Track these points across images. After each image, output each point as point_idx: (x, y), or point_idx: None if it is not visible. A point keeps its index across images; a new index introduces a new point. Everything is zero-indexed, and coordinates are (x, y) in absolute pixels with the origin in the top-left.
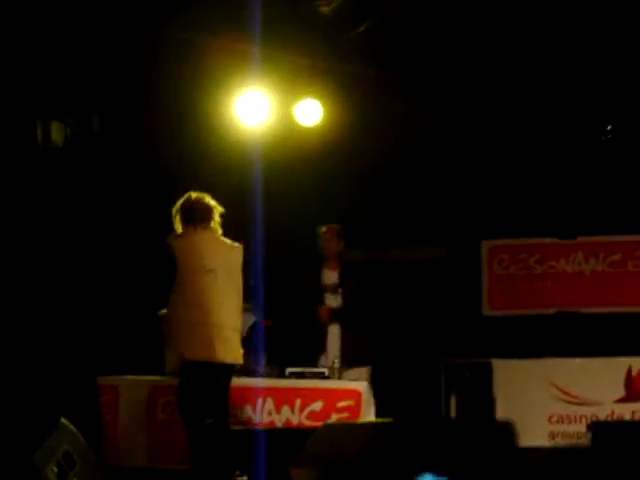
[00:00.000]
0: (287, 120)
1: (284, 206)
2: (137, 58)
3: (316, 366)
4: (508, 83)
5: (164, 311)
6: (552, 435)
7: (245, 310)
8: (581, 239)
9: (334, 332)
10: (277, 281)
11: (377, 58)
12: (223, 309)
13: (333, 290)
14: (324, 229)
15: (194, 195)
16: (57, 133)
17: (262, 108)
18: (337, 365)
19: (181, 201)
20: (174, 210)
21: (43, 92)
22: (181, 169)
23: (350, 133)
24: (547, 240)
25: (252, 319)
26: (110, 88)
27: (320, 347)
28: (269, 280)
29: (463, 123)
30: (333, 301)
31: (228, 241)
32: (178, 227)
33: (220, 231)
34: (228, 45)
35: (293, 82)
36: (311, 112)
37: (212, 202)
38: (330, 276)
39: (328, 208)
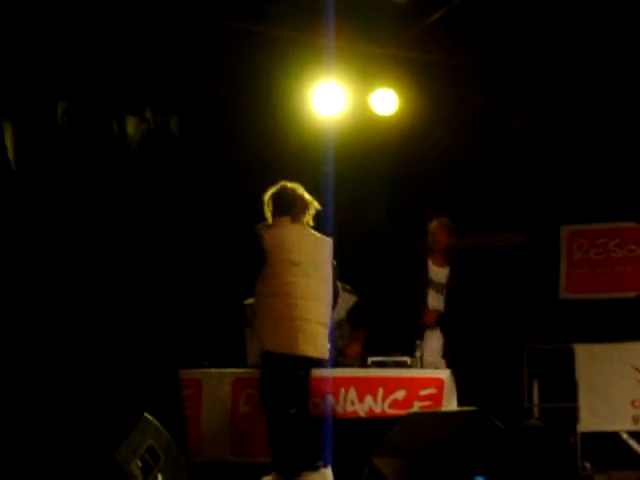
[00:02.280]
0: (363, 110)
1: (359, 195)
2: (215, 52)
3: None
4: (586, 67)
5: (250, 301)
6: (635, 419)
7: (345, 290)
8: None
9: (435, 337)
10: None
11: (452, 46)
12: (309, 303)
13: (439, 289)
14: (436, 223)
15: (289, 185)
16: (133, 128)
17: (338, 98)
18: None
19: (274, 190)
20: (266, 198)
21: (121, 87)
22: (259, 160)
23: (426, 122)
24: (626, 224)
25: (352, 299)
26: (189, 82)
27: (410, 345)
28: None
29: (541, 109)
30: (437, 301)
31: (319, 235)
32: (269, 216)
33: (311, 224)
34: (304, 37)
35: (368, 72)
36: (386, 102)
37: (307, 196)
38: (438, 273)
39: (404, 197)
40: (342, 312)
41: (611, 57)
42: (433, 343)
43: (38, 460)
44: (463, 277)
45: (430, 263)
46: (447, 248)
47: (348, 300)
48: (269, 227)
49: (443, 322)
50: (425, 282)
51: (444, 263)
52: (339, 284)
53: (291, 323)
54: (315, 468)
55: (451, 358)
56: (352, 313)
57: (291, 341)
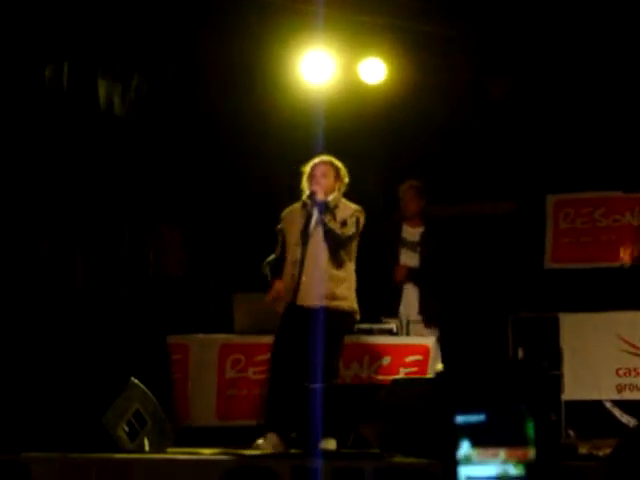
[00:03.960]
0: (351, 79)
1: (348, 164)
2: (202, 19)
3: (385, 321)
4: (572, 38)
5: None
6: (619, 388)
7: None
8: None
9: (410, 292)
10: None
11: (440, 15)
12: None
13: (412, 247)
14: (405, 186)
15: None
16: (119, 95)
17: (326, 67)
18: (405, 322)
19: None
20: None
21: (106, 53)
22: (247, 128)
23: (414, 91)
24: (612, 193)
25: None
26: (175, 49)
27: (391, 305)
28: None
29: (528, 79)
30: (410, 259)
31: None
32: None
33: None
34: (293, 5)
35: (357, 41)
36: (375, 71)
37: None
38: (411, 233)
39: (392, 166)
40: None
41: (598, 27)
42: (408, 299)
43: (25, 423)
44: (438, 237)
45: (404, 224)
46: (420, 210)
47: None
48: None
49: (416, 278)
50: (397, 241)
51: (418, 223)
52: None
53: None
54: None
55: (430, 314)
56: None
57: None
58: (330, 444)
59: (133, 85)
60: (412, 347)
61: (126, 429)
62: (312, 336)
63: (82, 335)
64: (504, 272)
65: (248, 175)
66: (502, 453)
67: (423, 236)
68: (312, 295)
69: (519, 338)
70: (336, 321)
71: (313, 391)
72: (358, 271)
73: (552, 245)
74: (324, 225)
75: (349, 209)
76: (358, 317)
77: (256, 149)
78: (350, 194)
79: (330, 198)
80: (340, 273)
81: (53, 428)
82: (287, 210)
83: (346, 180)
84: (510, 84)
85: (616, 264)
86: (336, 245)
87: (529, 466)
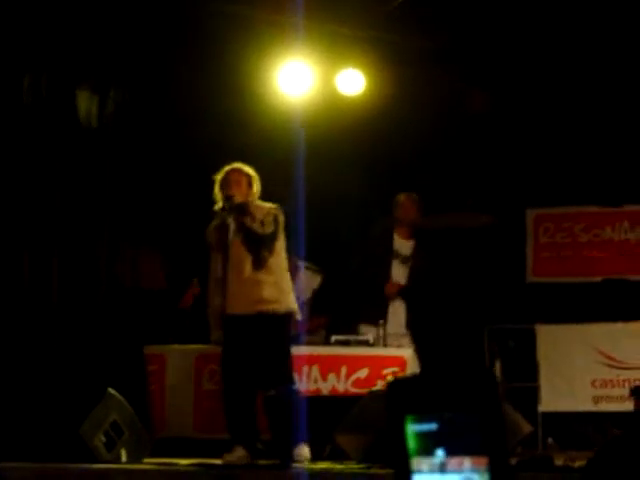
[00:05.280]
0: (329, 90)
1: (326, 176)
2: (179, 29)
3: (362, 331)
4: (554, 55)
5: None
6: (596, 399)
7: (309, 270)
8: (627, 207)
9: (399, 308)
10: (321, 250)
11: (419, 27)
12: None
13: (405, 261)
14: (402, 196)
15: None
16: (95, 107)
17: (304, 78)
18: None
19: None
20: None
21: (82, 64)
22: (223, 139)
23: (392, 103)
24: (592, 208)
25: (318, 279)
26: (151, 60)
27: (374, 315)
28: (312, 250)
29: (508, 92)
30: (402, 272)
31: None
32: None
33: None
34: (270, 16)
35: (335, 52)
36: (353, 82)
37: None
38: (404, 245)
39: (370, 177)
40: (308, 292)
41: (578, 43)
42: (398, 315)
43: (2, 433)
44: (428, 251)
45: (396, 235)
46: (413, 222)
47: (314, 280)
48: None
49: (406, 294)
50: (390, 253)
51: (409, 236)
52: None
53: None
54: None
55: (414, 331)
56: (319, 293)
57: None
58: (304, 451)
59: (111, 97)
60: (389, 359)
61: (103, 439)
62: (254, 344)
63: (59, 345)
64: (483, 285)
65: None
66: (467, 461)
67: (414, 250)
68: (241, 302)
69: (496, 350)
70: (272, 326)
71: (268, 399)
72: (344, 278)
73: (533, 259)
74: (243, 227)
75: (264, 209)
76: (299, 317)
77: (235, 161)
78: (327, 203)
79: (246, 201)
80: (265, 276)
81: (30, 438)
82: (209, 227)
83: (258, 188)
84: (490, 97)
85: (597, 279)
86: (258, 246)
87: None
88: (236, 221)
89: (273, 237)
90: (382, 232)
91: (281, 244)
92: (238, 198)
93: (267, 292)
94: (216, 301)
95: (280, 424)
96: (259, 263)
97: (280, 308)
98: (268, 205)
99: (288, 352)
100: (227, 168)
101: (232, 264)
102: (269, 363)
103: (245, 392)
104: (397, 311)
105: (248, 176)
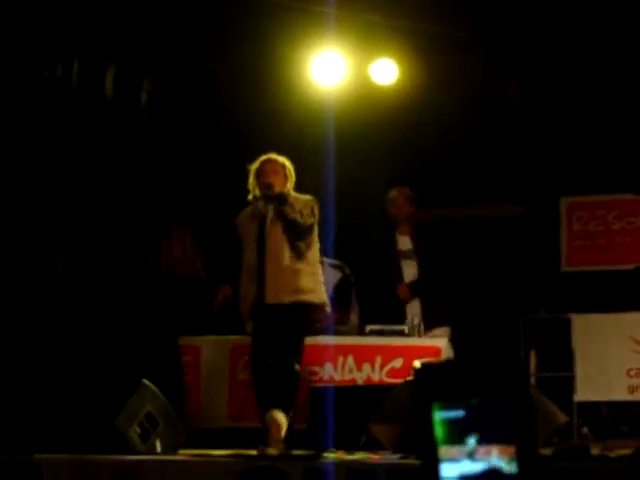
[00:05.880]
0: (363, 80)
1: (359, 165)
2: (214, 18)
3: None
4: (590, 44)
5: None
6: (631, 389)
7: (330, 266)
8: None
9: (413, 307)
10: (350, 243)
11: (453, 16)
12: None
13: (409, 256)
14: (394, 192)
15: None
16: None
17: (338, 68)
18: (417, 322)
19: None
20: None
21: (116, 52)
22: (258, 129)
23: (426, 92)
24: (625, 196)
25: (338, 276)
26: (185, 49)
27: (398, 317)
28: (345, 240)
29: (542, 80)
30: (409, 269)
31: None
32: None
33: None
34: (304, 5)
35: (368, 42)
36: (386, 72)
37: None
38: (403, 241)
39: (404, 167)
40: (329, 288)
41: (613, 32)
42: (412, 310)
43: (39, 426)
44: (431, 242)
45: (397, 234)
46: (408, 218)
47: (334, 276)
48: None
49: (417, 291)
50: (396, 255)
51: (407, 231)
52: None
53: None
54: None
55: (432, 322)
56: (339, 290)
57: None
58: (278, 416)
59: (145, 87)
60: (424, 348)
61: (138, 430)
62: (286, 332)
63: (94, 337)
64: (517, 274)
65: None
66: (494, 450)
67: (415, 244)
68: (279, 291)
69: (531, 339)
70: (306, 315)
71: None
72: (366, 281)
73: (567, 248)
74: (284, 217)
75: (302, 200)
76: (329, 309)
77: (268, 151)
78: (359, 195)
79: (285, 190)
80: (303, 266)
81: (65, 430)
82: (240, 216)
83: (293, 179)
84: (523, 86)
85: (630, 266)
86: (297, 236)
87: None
88: (275, 210)
89: (311, 228)
90: (385, 233)
91: (316, 236)
92: (277, 187)
93: (305, 282)
94: (250, 290)
95: (266, 390)
96: (298, 253)
97: (315, 299)
98: (306, 197)
99: (301, 337)
100: (263, 157)
101: (270, 253)
102: (282, 342)
103: (269, 382)
104: (413, 309)
105: (284, 166)
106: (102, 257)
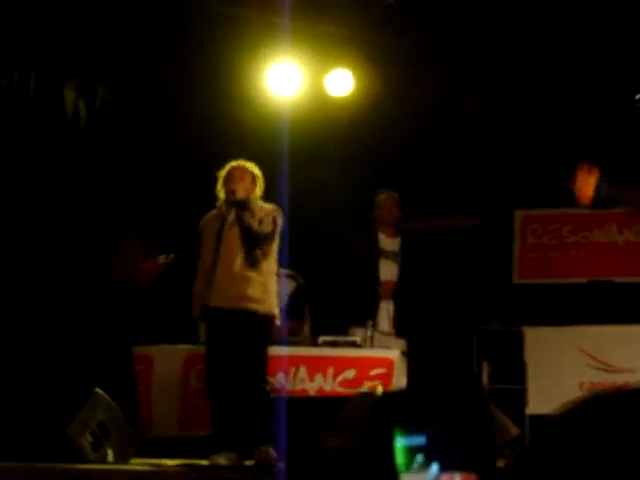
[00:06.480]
0: (318, 91)
1: (314, 176)
2: (168, 29)
3: (351, 332)
4: (545, 57)
5: None
6: None
7: (285, 276)
8: (615, 210)
9: (385, 307)
10: (304, 254)
11: (409, 28)
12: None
13: (393, 258)
14: (383, 196)
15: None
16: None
17: (293, 79)
18: (370, 334)
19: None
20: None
21: (71, 65)
22: (214, 139)
23: (381, 103)
24: (579, 210)
25: (293, 285)
26: (141, 60)
27: (362, 317)
28: (298, 250)
29: (497, 93)
30: (390, 270)
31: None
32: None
33: None
34: (259, 16)
35: (324, 53)
36: (342, 82)
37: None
38: (390, 242)
39: (359, 178)
40: (284, 298)
41: (568, 45)
42: (382, 312)
43: None
44: (417, 249)
45: (381, 235)
46: (395, 221)
47: (289, 285)
48: None
49: (398, 292)
50: (376, 253)
51: (394, 234)
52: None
53: None
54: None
55: (401, 327)
56: (293, 299)
57: None
58: (270, 451)
59: (99, 95)
60: (376, 360)
61: (90, 439)
62: (233, 340)
63: (47, 345)
64: (471, 286)
65: (213, 187)
66: (457, 478)
67: (403, 247)
68: (224, 296)
69: (484, 351)
70: (250, 324)
71: (239, 396)
72: (331, 280)
73: (519, 260)
74: (242, 222)
75: (265, 209)
76: (278, 322)
77: (222, 162)
78: (314, 205)
79: (248, 197)
80: (254, 275)
81: (17, 438)
82: (204, 219)
83: (262, 186)
84: (478, 98)
85: (583, 280)
86: (253, 243)
87: None
88: (235, 215)
89: (269, 238)
90: (364, 236)
91: (275, 247)
92: (241, 194)
93: (252, 290)
94: (201, 289)
95: (249, 422)
96: (251, 261)
97: (261, 308)
98: (270, 206)
99: (263, 353)
100: (232, 164)
101: (223, 256)
102: (245, 362)
103: (229, 389)
104: (386, 310)
105: (252, 174)
106: (55, 266)
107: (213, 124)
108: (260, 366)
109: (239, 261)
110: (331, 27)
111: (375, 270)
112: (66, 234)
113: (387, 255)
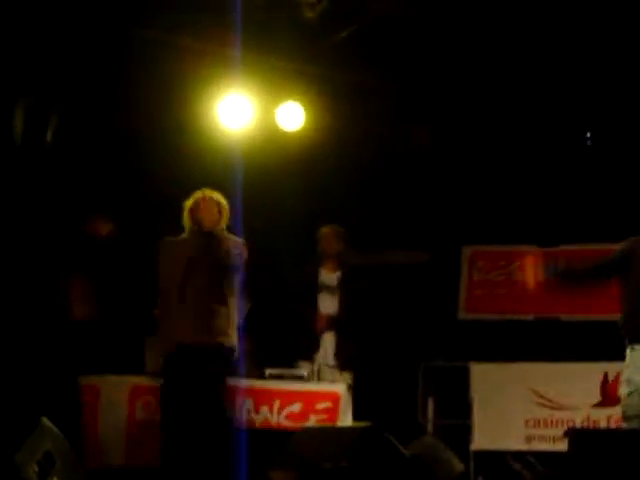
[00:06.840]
0: (269, 124)
1: (265, 210)
2: (117, 59)
3: (299, 366)
4: (493, 89)
5: None
6: (529, 439)
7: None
8: (563, 247)
9: (328, 339)
10: (256, 282)
11: (360, 63)
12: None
13: (331, 292)
14: (326, 229)
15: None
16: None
17: (244, 111)
18: (317, 368)
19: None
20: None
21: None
22: (162, 172)
23: (332, 138)
24: (527, 248)
25: (248, 306)
26: (93, 89)
27: (309, 351)
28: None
29: (447, 128)
30: (329, 304)
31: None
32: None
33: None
34: (210, 48)
35: (276, 86)
36: (293, 116)
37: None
38: (330, 277)
39: (310, 211)
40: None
41: (514, 80)
42: (326, 343)
43: None
44: (356, 281)
45: (322, 269)
46: (337, 254)
47: (245, 307)
48: None
49: (336, 324)
50: (315, 287)
51: (335, 268)
52: None
53: None
54: None
55: (344, 361)
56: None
57: None
58: None
59: (51, 125)
60: (322, 394)
61: (36, 469)
62: (194, 374)
63: None
64: (418, 321)
65: (163, 220)
66: None
67: (341, 280)
68: (190, 330)
69: (430, 386)
70: (216, 357)
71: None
72: (275, 315)
73: (466, 296)
74: (209, 254)
75: (232, 240)
76: (237, 355)
77: (173, 194)
78: (266, 237)
79: (214, 228)
80: (221, 308)
81: None
82: (167, 241)
83: (227, 217)
84: (428, 134)
85: (529, 317)
86: (221, 275)
87: None
88: (203, 246)
89: (235, 269)
90: (309, 268)
91: (238, 279)
92: (207, 224)
93: (219, 323)
94: (170, 322)
95: (207, 456)
96: (217, 295)
97: (227, 342)
98: (236, 239)
99: (225, 386)
100: (199, 194)
101: (190, 287)
102: (207, 395)
103: (187, 423)
104: (327, 342)
105: (219, 204)
106: (1, 297)
107: (163, 155)
108: (222, 399)
109: (207, 293)
110: (282, 60)
111: (314, 304)
112: (13, 261)
113: (324, 288)
